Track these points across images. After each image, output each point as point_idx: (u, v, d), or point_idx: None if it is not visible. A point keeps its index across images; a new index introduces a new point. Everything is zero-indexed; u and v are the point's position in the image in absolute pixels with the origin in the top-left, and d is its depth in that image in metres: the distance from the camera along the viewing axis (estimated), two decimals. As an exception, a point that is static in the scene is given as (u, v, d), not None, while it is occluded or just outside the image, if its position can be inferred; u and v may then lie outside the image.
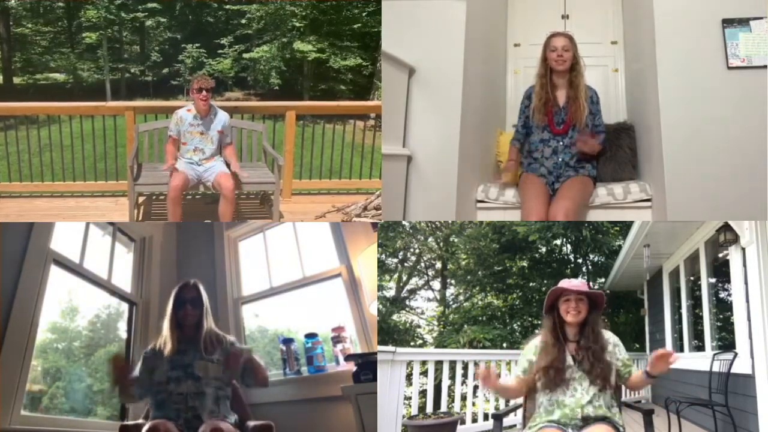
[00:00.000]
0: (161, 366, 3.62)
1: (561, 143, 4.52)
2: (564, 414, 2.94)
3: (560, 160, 4.51)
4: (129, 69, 24.95)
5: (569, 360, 3.01)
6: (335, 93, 22.12)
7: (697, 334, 6.40)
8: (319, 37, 22.05)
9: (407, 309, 13.14)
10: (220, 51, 23.46)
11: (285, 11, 21.90)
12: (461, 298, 12.82)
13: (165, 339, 3.68)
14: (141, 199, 5.70)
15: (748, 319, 4.65)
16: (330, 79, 22.59)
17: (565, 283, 3.07)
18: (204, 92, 5.04)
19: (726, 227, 4.92)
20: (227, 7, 23.73)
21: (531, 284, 11.18)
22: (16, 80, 23.59)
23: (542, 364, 3.03)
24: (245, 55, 22.99)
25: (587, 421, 2.91)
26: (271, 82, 22.59)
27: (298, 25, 21.93)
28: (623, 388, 3.20)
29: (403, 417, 4.94)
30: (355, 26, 22.04)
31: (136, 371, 3.66)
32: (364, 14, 21.83)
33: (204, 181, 5.15)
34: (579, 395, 2.95)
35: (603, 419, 2.92)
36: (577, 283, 3.08)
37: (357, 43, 22.29)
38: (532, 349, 3.15)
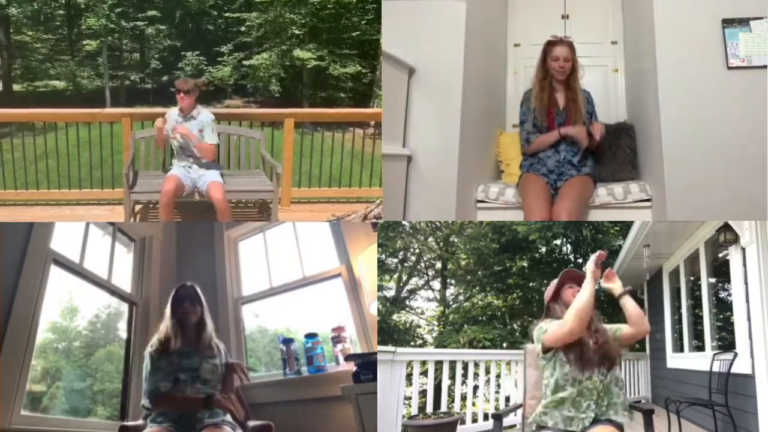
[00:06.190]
0: (167, 367, 3.64)
1: (562, 143, 4.57)
2: (574, 392, 2.95)
3: (562, 157, 4.57)
4: (129, 76, 25.05)
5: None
6: (335, 101, 22.15)
7: (697, 334, 6.39)
8: (318, 44, 22.13)
9: (407, 309, 13.08)
10: (219, 58, 23.54)
11: (284, 19, 21.96)
12: (461, 298, 12.75)
13: (168, 335, 3.70)
14: (137, 207, 5.67)
15: (748, 319, 4.65)
16: (329, 86, 22.65)
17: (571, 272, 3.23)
18: (181, 93, 5.22)
19: (726, 227, 4.91)
20: (227, 15, 23.80)
21: (531, 284, 11.12)
22: (16, 87, 23.63)
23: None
24: (245, 63, 23.03)
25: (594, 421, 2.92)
26: (271, 90, 22.63)
27: (297, 32, 22.01)
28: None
29: (403, 417, 4.92)
30: (354, 34, 22.13)
31: (147, 370, 3.66)
32: (363, 22, 21.93)
33: (198, 188, 5.20)
34: (596, 378, 2.96)
35: (608, 420, 2.93)
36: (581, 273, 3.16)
37: (356, 50, 22.37)
38: None
